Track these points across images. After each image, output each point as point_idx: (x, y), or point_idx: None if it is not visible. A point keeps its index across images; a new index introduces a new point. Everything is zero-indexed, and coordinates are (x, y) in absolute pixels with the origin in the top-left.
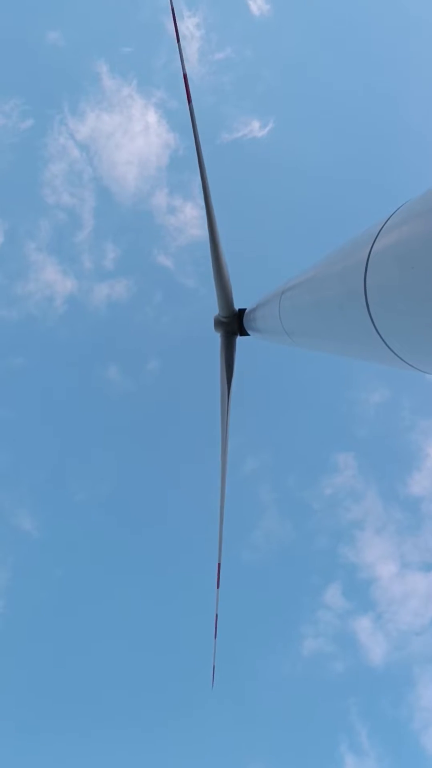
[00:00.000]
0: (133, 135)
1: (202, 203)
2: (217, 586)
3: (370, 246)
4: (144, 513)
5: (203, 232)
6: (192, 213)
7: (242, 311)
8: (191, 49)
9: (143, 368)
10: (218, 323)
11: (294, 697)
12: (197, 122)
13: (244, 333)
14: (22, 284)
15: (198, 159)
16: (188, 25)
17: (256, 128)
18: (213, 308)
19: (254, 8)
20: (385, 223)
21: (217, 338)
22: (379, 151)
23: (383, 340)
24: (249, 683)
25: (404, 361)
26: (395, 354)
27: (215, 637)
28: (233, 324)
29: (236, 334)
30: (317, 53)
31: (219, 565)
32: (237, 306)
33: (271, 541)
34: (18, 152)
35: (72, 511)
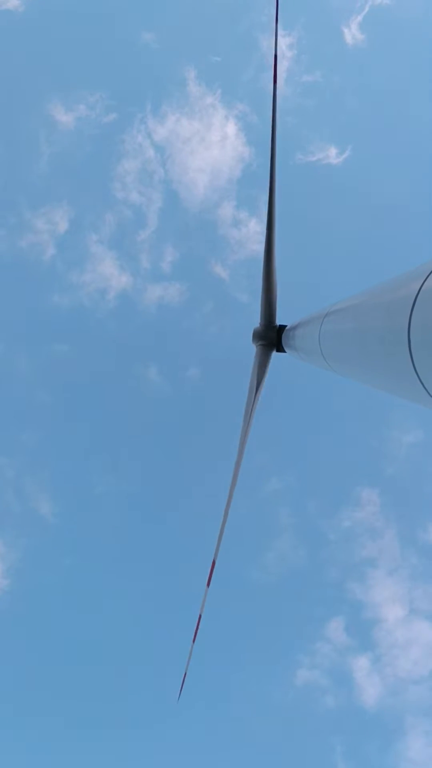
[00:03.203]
0: (209, 143)
1: (266, 216)
2: (207, 585)
3: (420, 284)
4: (159, 513)
5: (263, 248)
6: (255, 228)
7: (282, 327)
8: (280, 68)
9: (183, 373)
10: (257, 335)
11: (280, 726)
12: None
13: (280, 349)
14: (77, 274)
15: (270, 171)
16: (280, 44)
17: (332, 154)
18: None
19: (348, 36)
20: None
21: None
22: None
23: (420, 380)
24: (236, 704)
25: None
26: (431, 395)
27: (193, 641)
28: (272, 338)
29: (273, 349)
30: (405, 88)
31: (213, 562)
32: (278, 321)
33: (282, 565)
34: (96, 144)
35: (90, 502)
